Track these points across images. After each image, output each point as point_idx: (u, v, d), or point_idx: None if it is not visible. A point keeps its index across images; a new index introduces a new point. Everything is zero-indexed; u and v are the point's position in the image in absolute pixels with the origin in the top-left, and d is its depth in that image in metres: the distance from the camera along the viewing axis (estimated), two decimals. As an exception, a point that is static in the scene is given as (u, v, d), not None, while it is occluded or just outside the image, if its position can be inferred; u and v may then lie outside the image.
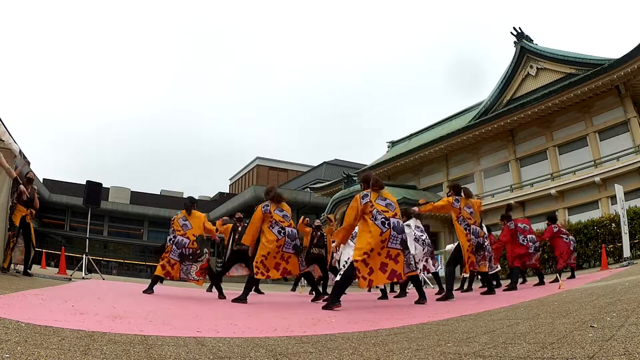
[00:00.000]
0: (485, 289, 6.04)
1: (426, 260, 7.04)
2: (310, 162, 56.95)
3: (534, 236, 7.33)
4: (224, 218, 8.76)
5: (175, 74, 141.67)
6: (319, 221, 8.40)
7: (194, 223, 5.96)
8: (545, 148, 19.70)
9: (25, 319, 2.17)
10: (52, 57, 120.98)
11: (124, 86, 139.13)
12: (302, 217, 8.81)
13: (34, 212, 6.77)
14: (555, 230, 8.01)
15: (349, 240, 5.52)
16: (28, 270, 6.78)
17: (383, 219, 4.30)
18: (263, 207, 5.15)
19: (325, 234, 8.11)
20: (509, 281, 6.95)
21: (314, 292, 5.98)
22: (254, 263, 5.07)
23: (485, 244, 5.81)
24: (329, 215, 21.11)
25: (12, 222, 6.40)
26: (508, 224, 7.15)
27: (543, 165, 19.78)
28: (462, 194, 5.84)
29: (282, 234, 5.08)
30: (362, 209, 4.38)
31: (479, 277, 6.52)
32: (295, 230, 5.31)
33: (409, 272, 4.41)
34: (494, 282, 7.19)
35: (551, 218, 8.36)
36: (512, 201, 19.71)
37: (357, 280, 4.25)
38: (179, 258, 5.71)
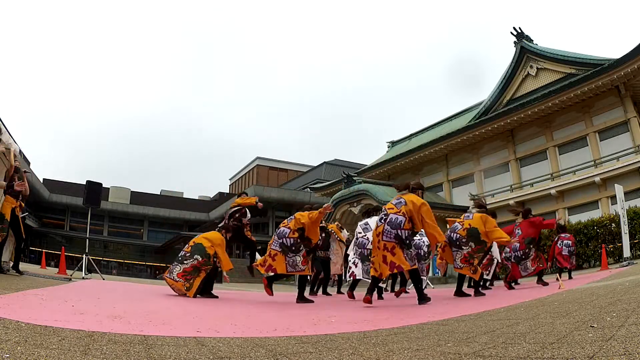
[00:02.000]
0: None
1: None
2: (310, 162, 56.98)
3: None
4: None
5: (175, 73, 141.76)
6: (323, 222, 8.31)
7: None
8: (545, 148, 19.70)
9: (25, 319, 2.17)
10: (53, 57, 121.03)
11: (124, 86, 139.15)
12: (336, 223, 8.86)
13: (23, 204, 6.42)
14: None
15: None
16: (17, 268, 6.62)
17: (383, 215, 4.59)
18: None
19: (329, 234, 8.06)
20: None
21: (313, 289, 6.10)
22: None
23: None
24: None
25: (3, 216, 5.94)
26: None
27: (543, 165, 19.77)
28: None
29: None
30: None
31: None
32: (284, 230, 5.31)
33: (412, 266, 4.51)
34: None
35: (562, 228, 8.40)
36: (512, 201, 19.71)
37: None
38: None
